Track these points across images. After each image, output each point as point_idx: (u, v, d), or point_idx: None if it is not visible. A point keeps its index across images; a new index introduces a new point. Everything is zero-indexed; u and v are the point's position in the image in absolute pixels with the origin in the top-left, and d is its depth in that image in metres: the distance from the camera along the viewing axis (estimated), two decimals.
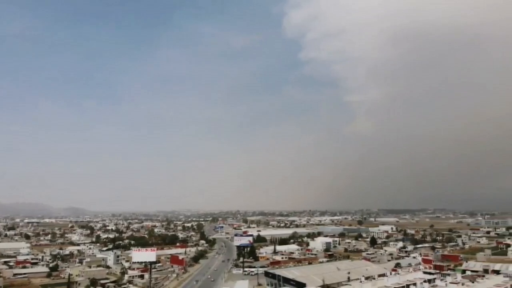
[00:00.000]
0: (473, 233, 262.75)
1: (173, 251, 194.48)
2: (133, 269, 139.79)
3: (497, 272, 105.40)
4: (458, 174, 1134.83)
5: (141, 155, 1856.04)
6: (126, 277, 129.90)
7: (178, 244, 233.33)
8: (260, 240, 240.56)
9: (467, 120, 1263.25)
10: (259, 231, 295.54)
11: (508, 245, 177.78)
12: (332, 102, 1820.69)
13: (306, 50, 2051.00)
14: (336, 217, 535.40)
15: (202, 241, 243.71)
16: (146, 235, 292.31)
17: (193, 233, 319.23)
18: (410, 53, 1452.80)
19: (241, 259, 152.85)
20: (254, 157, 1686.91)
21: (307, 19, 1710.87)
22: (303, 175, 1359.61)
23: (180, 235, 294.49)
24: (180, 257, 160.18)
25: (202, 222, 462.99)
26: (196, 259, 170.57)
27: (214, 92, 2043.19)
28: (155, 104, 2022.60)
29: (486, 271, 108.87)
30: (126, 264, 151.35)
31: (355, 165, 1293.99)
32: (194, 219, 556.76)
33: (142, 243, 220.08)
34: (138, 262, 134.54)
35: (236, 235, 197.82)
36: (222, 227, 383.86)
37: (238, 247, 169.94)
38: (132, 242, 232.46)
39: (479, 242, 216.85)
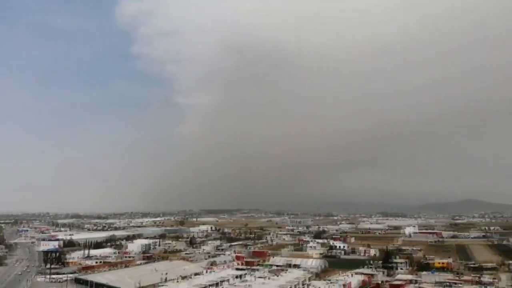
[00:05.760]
0: (280, 231, 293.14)
1: None
2: None
3: (297, 266, 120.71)
4: (272, 178, 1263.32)
5: None
6: None
7: None
8: (71, 244, 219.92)
9: (279, 132, 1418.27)
10: (71, 235, 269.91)
11: (307, 242, 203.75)
12: (163, 101, 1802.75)
13: (138, 44, 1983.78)
14: (158, 219, 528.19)
15: (1, 246, 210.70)
16: None
17: None
18: (241, 64, 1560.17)
19: (47, 266, 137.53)
20: (68, 153, 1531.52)
21: (141, 13, 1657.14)
22: (126, 175, 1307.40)
23: None
24: None
25: (2, 225, 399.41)
26: None
27: (24, 75, 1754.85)
28: None
29: (289, 265, 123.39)
30: None
31: (180, 166, 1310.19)
32: None
33: None
34: None
35: (43, 239, 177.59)
36: (27, 230, 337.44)
37: (45, 252, 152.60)
38: None
39: (284, 239, 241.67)
